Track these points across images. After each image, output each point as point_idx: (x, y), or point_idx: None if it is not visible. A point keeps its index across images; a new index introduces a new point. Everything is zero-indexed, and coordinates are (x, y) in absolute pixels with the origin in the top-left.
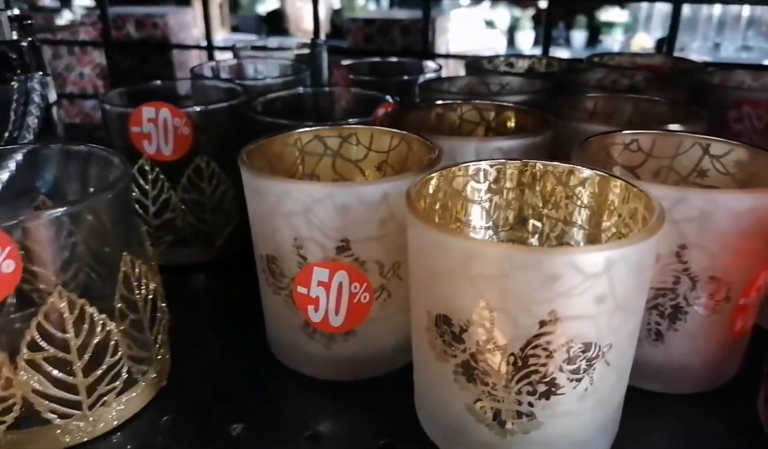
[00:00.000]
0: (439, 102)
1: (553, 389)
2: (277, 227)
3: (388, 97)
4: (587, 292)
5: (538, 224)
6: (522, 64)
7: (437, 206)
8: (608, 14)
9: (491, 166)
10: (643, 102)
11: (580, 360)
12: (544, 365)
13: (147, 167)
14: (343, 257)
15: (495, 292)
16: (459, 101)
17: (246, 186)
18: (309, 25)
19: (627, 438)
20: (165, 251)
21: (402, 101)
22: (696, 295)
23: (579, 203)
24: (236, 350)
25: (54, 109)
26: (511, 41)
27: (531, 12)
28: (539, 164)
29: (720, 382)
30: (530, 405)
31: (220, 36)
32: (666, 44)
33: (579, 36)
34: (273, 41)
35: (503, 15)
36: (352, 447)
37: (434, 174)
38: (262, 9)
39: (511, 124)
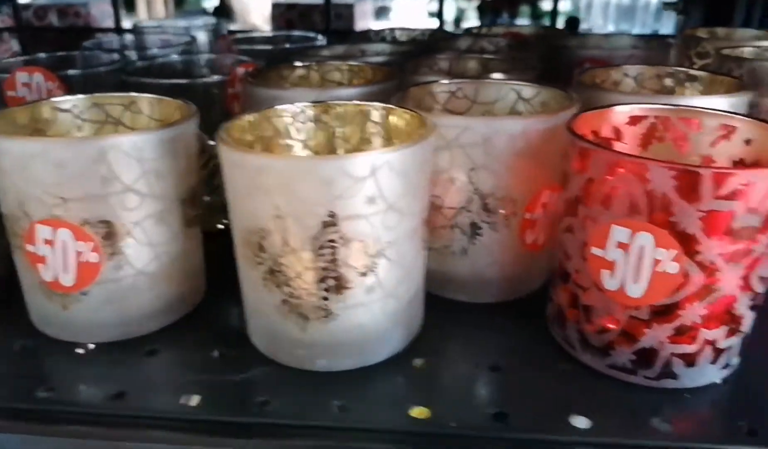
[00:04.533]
0: (298, 63)
1: (343, 283)
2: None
3: (246, 58)
4: (359, 194)
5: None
6: (408, 36)
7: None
8: (551, 4)
9: (300, 108)
10: (490, 61)
11: (364, 256)
12: (333, 261)
13: None
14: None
15: (283, 199)
16: (313, 63)
17: None
18: (256, 18)
19: (433, 341)
20: None
21: None
22: (487, 212)
23: (375, 133)
24: None
25: None
26: None
27: (476, 2)
28: (339, 104)
29: (522, 293)
30: (325, 299)
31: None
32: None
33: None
34: (182, 22)
35: (449, 6)
36: (189, 357)
37: (247, 116)
38: (209, 4)
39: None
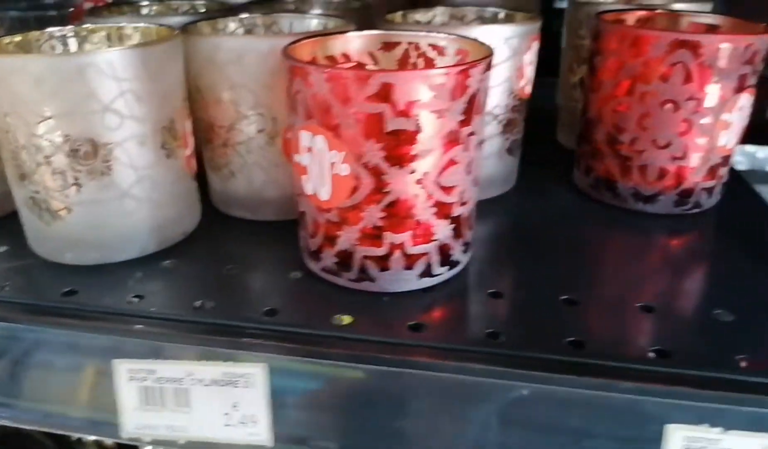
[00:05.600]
0: (145, 1)
1: (75, 180)
2: None
3: None
4: (68, 93)
5: None
6: None
7: None
8: None
9: (61, 30)
10: None
11: (90, 156)
12: (59, 159)
13: None
14: None
15: (4, 97)
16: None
17: None
18: None
19: (191, 248)
20: None
21: None
22: (250, 130)
23: None
24: None
25: None
26: None
27: None
28: (101, 26)
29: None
30: (64, 195)
31: None
32: None
33: None
34: None
35: None
36: None
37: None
38: None
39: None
